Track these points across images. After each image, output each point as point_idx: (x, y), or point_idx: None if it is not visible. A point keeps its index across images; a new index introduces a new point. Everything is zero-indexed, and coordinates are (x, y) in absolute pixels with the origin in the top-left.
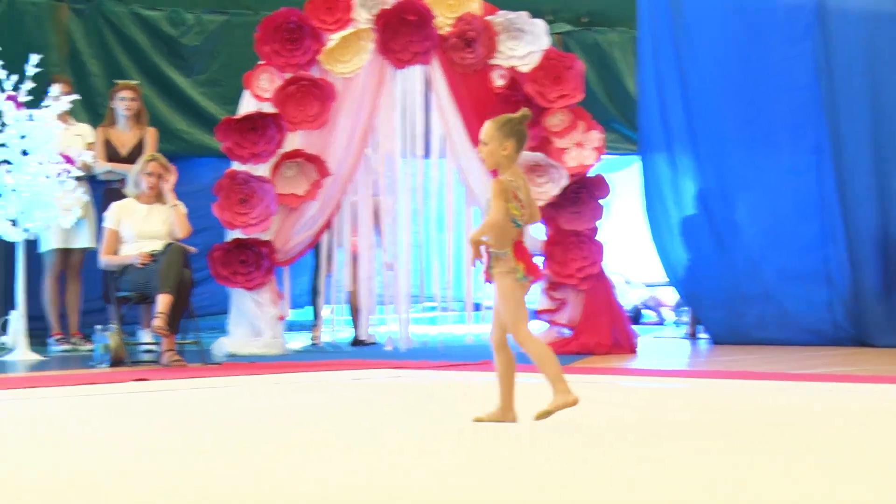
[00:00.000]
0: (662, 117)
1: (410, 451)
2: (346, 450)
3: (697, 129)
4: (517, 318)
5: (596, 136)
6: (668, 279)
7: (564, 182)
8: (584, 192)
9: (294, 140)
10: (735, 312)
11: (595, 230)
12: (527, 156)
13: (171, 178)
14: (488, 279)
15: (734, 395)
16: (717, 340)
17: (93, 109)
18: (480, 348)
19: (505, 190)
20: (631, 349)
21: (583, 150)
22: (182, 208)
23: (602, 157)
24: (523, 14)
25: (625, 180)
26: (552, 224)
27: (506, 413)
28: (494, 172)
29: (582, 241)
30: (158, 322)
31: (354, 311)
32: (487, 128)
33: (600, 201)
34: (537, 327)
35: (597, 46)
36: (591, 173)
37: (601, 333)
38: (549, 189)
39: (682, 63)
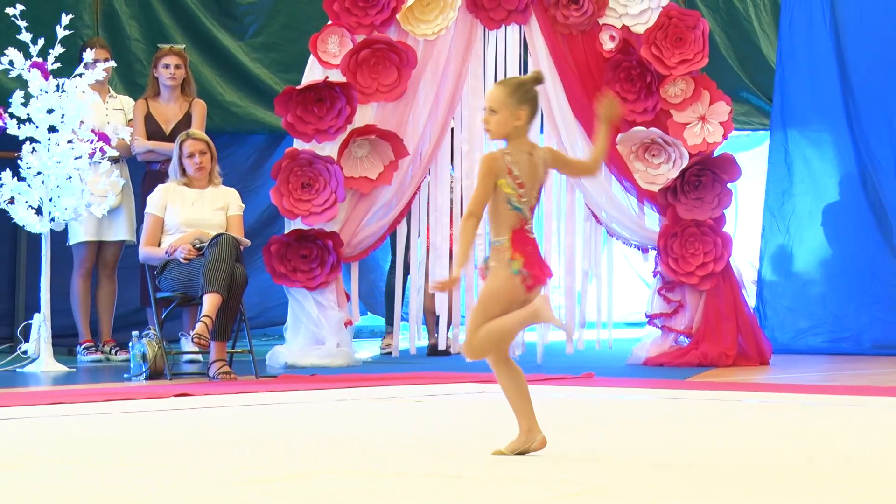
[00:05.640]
0: (810, 82)
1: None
2: (419, 481)
3: (857, 95)
4: (487, 321)
5: (723, 109)
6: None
7: (684, 163)
8: (708, 175)
9: (366, 114)
10: (887, 317)
11: (721, 220)
12: (640, 132)
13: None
14: (483, 275)
15: (883, 415)
16: (863, 349)
17: (130, 78)
18: (586, 358)
19: (491, 170)
20: (762, 361)
21: (707, 125)
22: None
23: (730, 133)
24: None
25: (757, 160)
26: (669, 212)
27: (531, 437)
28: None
29: (704, 232)
30: (200, 329)
31: (430, 315)
32: (497, 93)
33: (728, 185)
34: (648, 334)
35: (726, 2)
36: (716, 152)
37: (725, 342)
38: (665, 171)
39: (835, 10)
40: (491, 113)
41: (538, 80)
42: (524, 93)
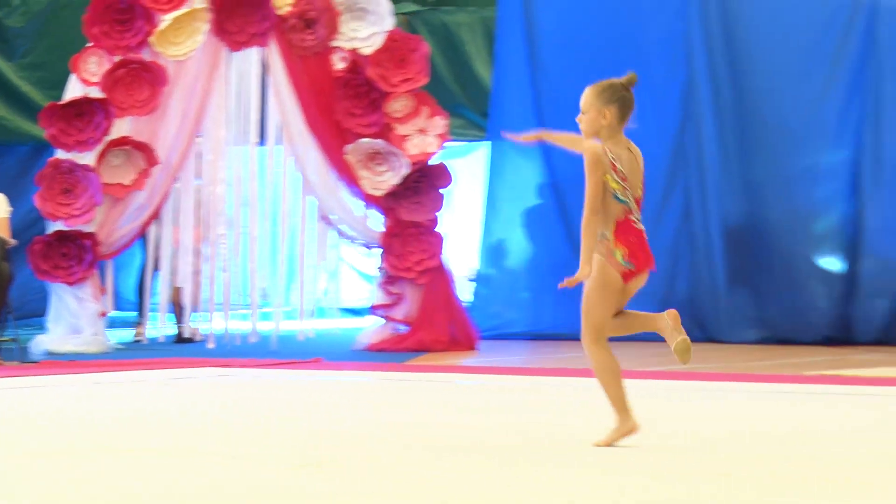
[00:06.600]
0: (518, 100)
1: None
2: (157, 455)
3: (557, 112)
4: (595, 315)
5: (440, 123)
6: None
7: (405, 171)
8: (425, 182)
9: (122, 127)
10: (577, 308)
11: (435, 221)
12: (366, 143)
13: None
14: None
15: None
16: (560, 336)
17: None
18: (316, 345)
19: (598, 161)
20: (471, 346)
21: (426, 136)
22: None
23: (446, 144)
24: None
25: (470, 168)
26: (391, 215)
27: (626, 423)
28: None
29: (421, 232)
30: None
31: (177, 307)
32: (586, 95)
33: (441, 191)
34: (371, 323)
35: (444, 27)
36: (433, 161)
37: (438, 329)
38: (388, 178)
39: (533, 38)
40: (582, 114)
41: (630, 82)
42: (611, 94)
